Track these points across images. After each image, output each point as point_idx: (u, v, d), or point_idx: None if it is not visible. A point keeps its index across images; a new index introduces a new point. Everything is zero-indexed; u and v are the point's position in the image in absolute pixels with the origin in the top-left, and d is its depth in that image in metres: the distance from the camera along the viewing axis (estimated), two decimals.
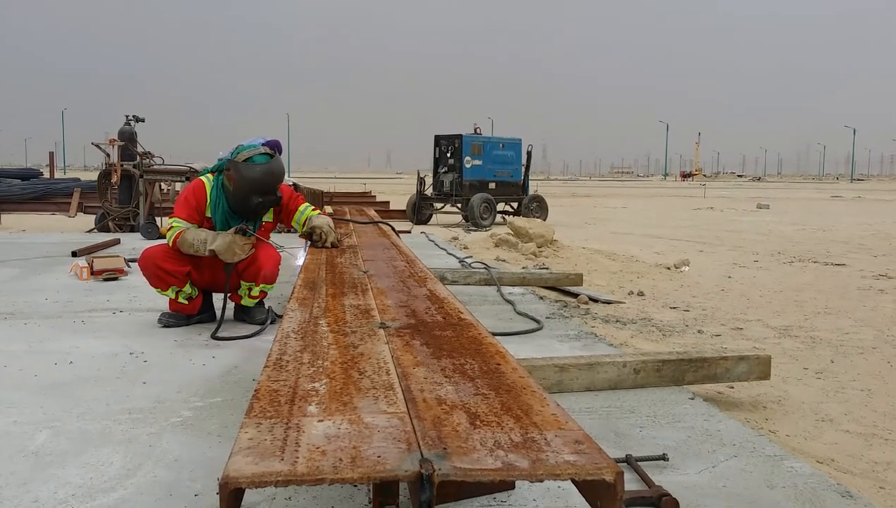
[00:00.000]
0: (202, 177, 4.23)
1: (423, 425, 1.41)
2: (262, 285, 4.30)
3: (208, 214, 4.16)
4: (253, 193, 4.02)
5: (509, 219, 13.88)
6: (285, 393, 1.60)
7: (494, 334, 2.26)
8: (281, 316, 3.36)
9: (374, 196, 22.74)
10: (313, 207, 4.55)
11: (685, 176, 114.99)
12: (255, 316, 4.32)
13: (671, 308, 6.29)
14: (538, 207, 18.34)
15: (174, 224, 4.08)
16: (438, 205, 18.73)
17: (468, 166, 18.01)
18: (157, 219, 10.43)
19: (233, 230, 4.02)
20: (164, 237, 6.64)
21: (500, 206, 18.38)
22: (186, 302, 4.23)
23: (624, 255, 9.78)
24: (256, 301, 4.38)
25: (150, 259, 4.12)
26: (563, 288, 6.30)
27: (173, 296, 4.19)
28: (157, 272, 4.11)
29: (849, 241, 13.36)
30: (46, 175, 24.03)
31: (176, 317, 4.24)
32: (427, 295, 2.85)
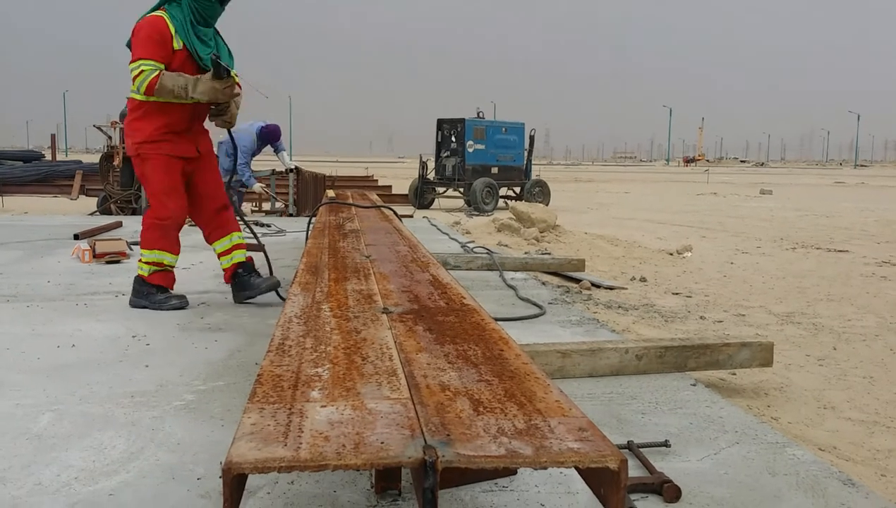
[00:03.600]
0: (155, 14, 3.84)
1: (426, 411, 1.41)
2: (238, 233, 4.23)
3: (177, 46, 3.83)
4: None
5: (512, 203, 13.85)
6: (288, 378, 1.60)
7: (497, 319, 2.26)
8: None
9: (377, 180, 22.70)
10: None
11: (688, 161, 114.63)
12: (259, 285, 4.24)
13: (673, 294, 6.29)
14: (540, 192, 18.31)
15: (143, 67, 3.71)
16: (441, 190, 18.70)
17: (471, 150, 17.96)
18: None
19: (209, 75, 3.77)
20: None
21: (503, 191, 18.35)
22: (171, 269, 4.17)
23: (626, 241, 9.77)
24: (244, 261, 4.27)
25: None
26: (566, 273, 6.29)
27: (163, 262, 4.10)
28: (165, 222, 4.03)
29: (851, 228, 13.33)
30: (48, 157, 23.99)
31: (167, 293, 4.13)
32: (430, 280, 2.84)
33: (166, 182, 4.01)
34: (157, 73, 3.75)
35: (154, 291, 4.12)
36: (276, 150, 10.16)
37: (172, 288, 4.22)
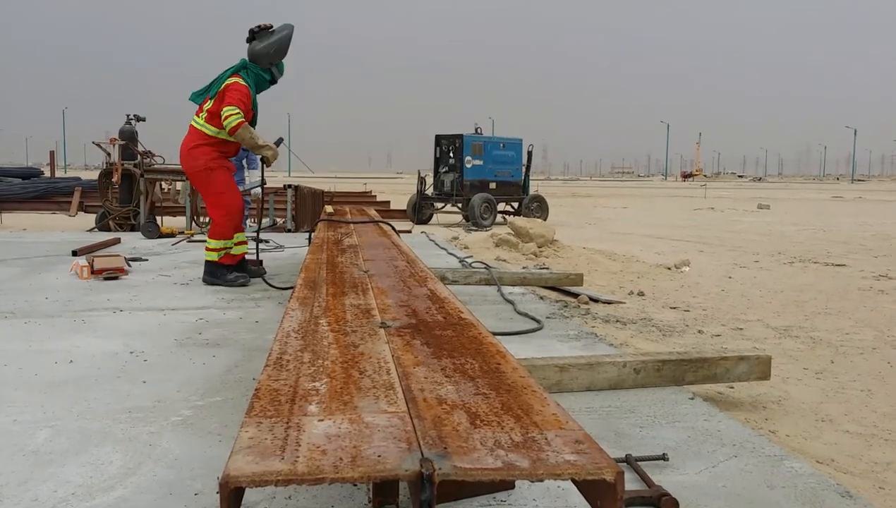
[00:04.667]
0: (237, 81, 5.28)
1: (423, 424, 1.42)
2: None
3: (252, 107, 5.41)
4: (280, 54, 5.48)
5: (510, 219, 13.88)
6: (286, 393, 1.60)
7: (495, 334, 2.26)
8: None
9: (375, 195, 22.74)
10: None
11: (686, 176, 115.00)
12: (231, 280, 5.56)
13: (671, 308, 6.29)
14: (539, 207, 18.35)
15: (237, 111, 5.13)
16: (439, 205, 18.74)
17: (469, 166, 18.02)
18: (158, 219, 10.43)
19: (275, 143, 5.52)
20: (164, 236, 7.75)
21: (501, 206, 18.39)
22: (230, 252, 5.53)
23: (624, 255, 9.78)
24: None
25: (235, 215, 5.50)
26: (564, 288, 6.30)
27: (227, 247, 5.46)
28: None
29: (849, 242, 13.36)
30: (47, 174, 24.02)
31: (233, 272, 5.48)
32: (427, 294, 2.85)
33: (230, 182, 5.51)
34: (242, 120, 5.16)
35: (225, 271, 5.48)
36: (248, 165, 10.35)
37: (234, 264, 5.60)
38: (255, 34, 5.43)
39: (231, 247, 5.53)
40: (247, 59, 5.46)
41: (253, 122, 5.44)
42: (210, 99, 5.39)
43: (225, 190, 5.48)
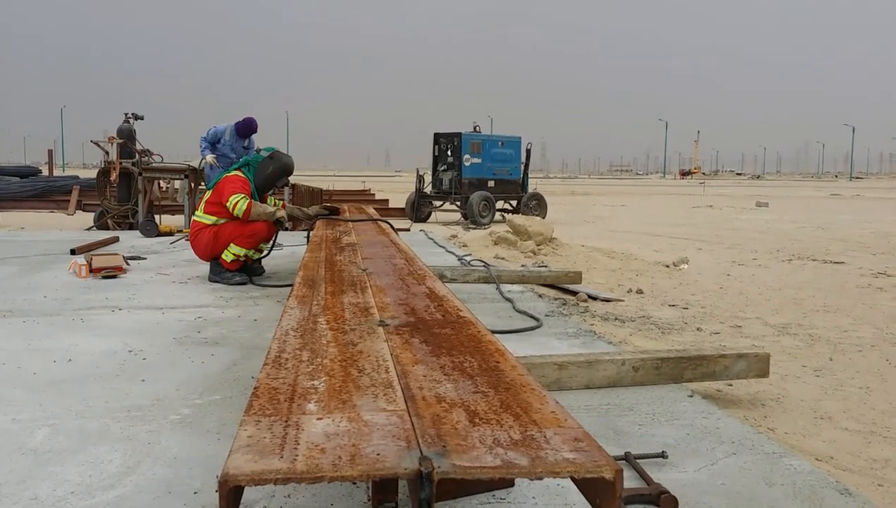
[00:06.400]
0: (236, 174, 5.73)
1: (422, 423, 1.41)
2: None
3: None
4: (284, 174, 5.96)
5: (508, 217, 13.87)
6: (284, 391, 1.60)
7: (493, 332, 2.26)
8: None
9: (374, 194, 22.75)
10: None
11: (684, 174, 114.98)
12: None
13: (670, 306, 6.29)
14: (537, 205, 18.33)
15: (242, 197, 5.51)
16: (437, 203, 18.72)
17: (467, 164, 18.00)
18: (156, 217, 10.41)
19: (282, 207, 5.84)
20: (162, 235, 7.82)
21: (500, 204, 18.38)
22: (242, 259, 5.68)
23: (623, 253, 9.78)
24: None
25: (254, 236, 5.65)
26: (562, 285, 6.30)
27: (241, 256, 5.63)
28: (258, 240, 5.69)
29: (847, 239, 13.36)
30: (45, 172, 24.00)
31: (232, 272, 5.62)
32: (426, 292, 2.84)
33: (240, 225, 5.70)
34: (249, 201, 5.56)
35: (225, 271, 5.65)
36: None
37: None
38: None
39: (245, 257, 5.71)
40: (251, 158, 6.01)
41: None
42: (208, 190, 5.89)
43: (239, 231, 5.62)
